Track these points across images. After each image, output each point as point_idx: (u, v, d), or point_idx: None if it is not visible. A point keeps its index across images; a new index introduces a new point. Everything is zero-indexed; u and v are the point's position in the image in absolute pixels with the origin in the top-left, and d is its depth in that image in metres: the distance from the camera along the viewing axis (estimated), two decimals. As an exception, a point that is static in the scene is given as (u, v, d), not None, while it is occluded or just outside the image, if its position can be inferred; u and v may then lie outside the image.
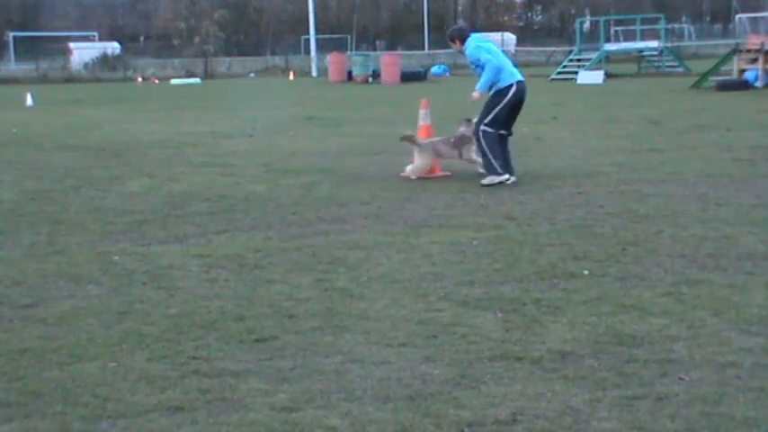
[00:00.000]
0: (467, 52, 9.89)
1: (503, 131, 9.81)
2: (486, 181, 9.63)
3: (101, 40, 64.91)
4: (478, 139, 9.72)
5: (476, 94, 9.81)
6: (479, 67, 9.75)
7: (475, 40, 9.91)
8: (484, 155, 9.71)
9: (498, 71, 9.65)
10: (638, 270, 6.09)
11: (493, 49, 9.90)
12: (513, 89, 9.71)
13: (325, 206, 8.80)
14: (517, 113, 9.94)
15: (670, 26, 55.06)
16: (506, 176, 9.63)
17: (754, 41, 32.06)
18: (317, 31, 51.55)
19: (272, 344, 4.74)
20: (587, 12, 71.82)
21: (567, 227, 7.54)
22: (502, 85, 9.72)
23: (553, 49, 52.28)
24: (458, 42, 9.98)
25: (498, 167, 9.59)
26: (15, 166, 12.47)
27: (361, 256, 6.66)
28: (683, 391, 3.99)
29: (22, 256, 6.95)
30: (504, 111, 9.73)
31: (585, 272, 6.08)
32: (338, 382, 4.19)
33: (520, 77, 9.82)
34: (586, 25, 50.34)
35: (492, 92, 9.76)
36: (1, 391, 4.15)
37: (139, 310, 5.42)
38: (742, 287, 5.60)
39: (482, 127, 9.68)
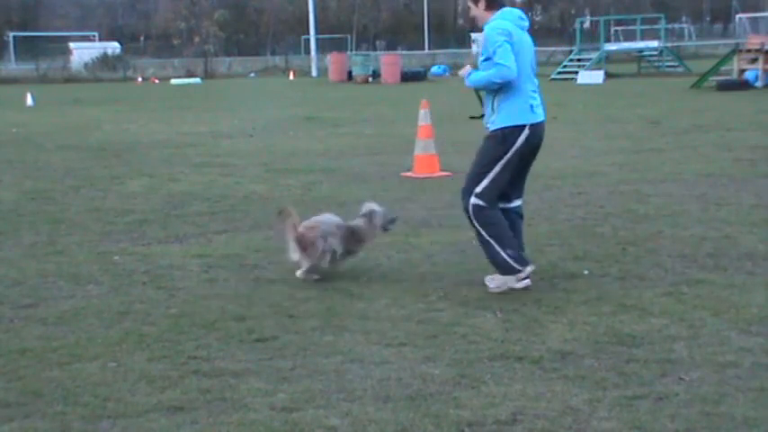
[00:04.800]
0: (485, 30, 5.71)
1: (507, 203, 5.88)
2: (493, 285, 5.75)
3: (101, 40, 64.91)
4: (469, 218, 5.85)
5: (463, 71, 5.87)
6: (488, 61, 5.62)
7: (504, 14, 5.74)
8: (484, 243, 5.81)
9: (508, 85, 5.60)
10: (638, 270, 6.09)
11: (518, 44, 5.65)
12: (525, 134, 5.68)
13: (326, 206, 8.78)
14: (527, 170, 5.92)
15: (670, 26, 55.11)
16: (523, 270, 5.73)
17: (754, 41, 32.07)
18: (317, 31, 51.57)
19: (272, 344, 4.74)
20: (587, 12, 71.89)
21: (567, 227, 7.54)
22: (507, 122, 5.67)
23: (553, 48, 52.28)
24: (469, 1, 5.88)
25: (510, 259, 5.72)
26: (15, 166, 12.47)
27: (361, 256, 6.66)
28: (683, 391, 3.99)
29: (22, 256, 6.94)
30: (509, 170, 5.73)
31: (585, 272, 6.08)
32: (338, 382, 4.19)
33: (540, 116, 5.77)
34: (586, 25, 50.37)
35: (491, 125, 5.75)
36: (1, 391, 4.15)
37: (139, 310, 5.42)
38: (742, 287, 5.60)
39: (472, 199, 5.75)
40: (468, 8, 5.94)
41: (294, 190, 9.85)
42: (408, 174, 10.73)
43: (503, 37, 5.57)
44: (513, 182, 5.81)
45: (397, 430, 3.67)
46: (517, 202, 5.96)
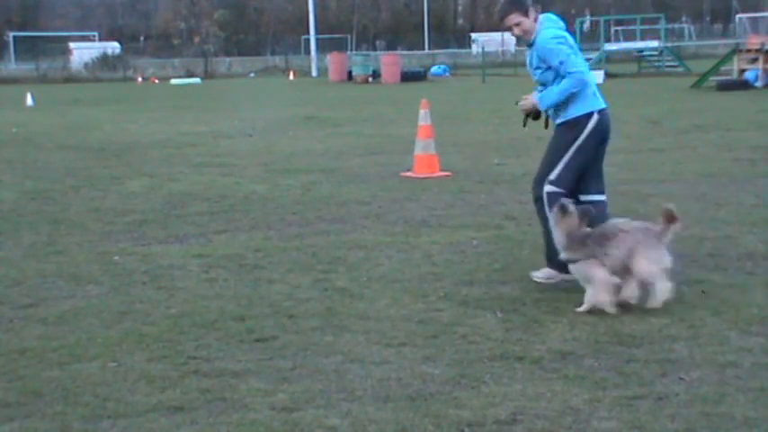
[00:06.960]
0: (537, 41, 5.71)
1: (586, 195, 5.86)
2: (541, 276, 5.84)
3: (101, 40, 64.94)
4: (540, 207, 5.81)
5: (527, 103, 5.87)
6: (548, 71, 5.71)
7: (551, 23, 5.80)
8: (548, 233, 5.70)
9: (583, 85, 5.67)
10: (638, 270, 6.07)
11: (574, 46, 5.82)
12: (595, 119, 5.72)
13: (326, 206, 8.80)
14: (600, 161, 5.93)
15: (670, 26, 55.13)
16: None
17: (754, 41, 32.09)
18: (317, 31, 51.60)
19: (272, 344, 4.74)
20: (587, 12, 71.84)
21: (567, 227, 7.53)
22: (578, 111, 5.72)
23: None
24: (516, 15, 5.69)
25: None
26: (15, 166, 12.48)
27: (361, 256, 6.66)
28: (683, 391, 3.99)
29: (22, 256, 6.94)
30: (583, 154, 5.75)
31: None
32: (338, 382, 4.19)
33: (604, 102, 5.84)
34: (586, 25, 50.36)
35: (559, 120, 5.80)
36: (1, 391, 4.15)
37: (139, 310, 5.42)
38: (742, 287, 5.59)
39: (547, 187, 5.73)
40: (516, 25, 5.73)
41: (294, 190, 9.85)
42: (408, 174, 10.73)
43: (564, 45, 5.65)
44: (588, 171, 5.82)
45: (397, 430, 3.67)
46: (599, 197, 5.91)
